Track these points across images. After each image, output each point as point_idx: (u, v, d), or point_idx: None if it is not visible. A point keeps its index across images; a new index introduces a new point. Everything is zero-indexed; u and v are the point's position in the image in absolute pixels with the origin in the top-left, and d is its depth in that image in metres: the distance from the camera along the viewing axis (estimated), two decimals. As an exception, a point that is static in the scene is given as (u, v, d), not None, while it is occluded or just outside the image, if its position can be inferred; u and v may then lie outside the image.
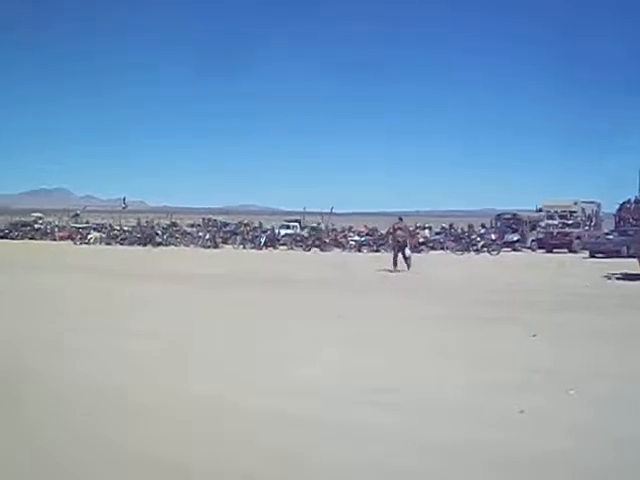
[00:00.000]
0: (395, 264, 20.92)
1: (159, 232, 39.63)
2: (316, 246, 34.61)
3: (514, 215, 39.26)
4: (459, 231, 36.99)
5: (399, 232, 21.64)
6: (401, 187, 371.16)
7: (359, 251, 33.28)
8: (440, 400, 5.94)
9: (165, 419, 5.41)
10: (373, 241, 34.35)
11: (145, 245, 36.89)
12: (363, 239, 34.91)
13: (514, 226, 37.34)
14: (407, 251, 21.21)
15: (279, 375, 6.85)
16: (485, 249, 32.64)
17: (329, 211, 43.91)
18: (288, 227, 40.90)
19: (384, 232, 35.35)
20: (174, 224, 43.44)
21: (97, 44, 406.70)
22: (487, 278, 19.56)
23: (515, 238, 35.77)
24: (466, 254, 32.01)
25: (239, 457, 4.55)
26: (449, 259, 29.48)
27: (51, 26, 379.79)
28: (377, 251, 32.81)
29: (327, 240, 35.54)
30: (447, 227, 38.19)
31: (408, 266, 20.80)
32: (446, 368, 7.24)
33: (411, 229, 27.67)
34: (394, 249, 21.70)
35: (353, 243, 34.45)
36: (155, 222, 44.72)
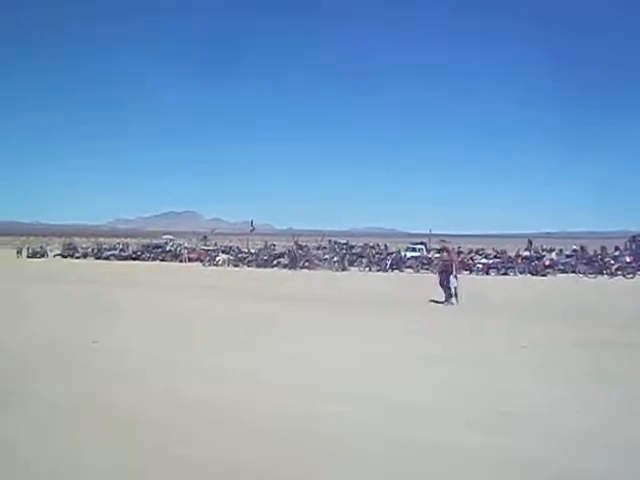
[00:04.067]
0: (448, 295, 17.06)
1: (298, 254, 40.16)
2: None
3: (650, 237, 37.58)
4: (591, 253, 35.86)
5: (444, 254, 18.32)
6: (529, 208, 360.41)
7: (487, 274, 33.04)
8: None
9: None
10: (501, 264, 34.01)
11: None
12: (491, 262, 34.60)
13: (650, 248, 35.79)
14: (452, 279, 17.09)
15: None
16: (619, 272, 31.63)
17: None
18: (414, 250, 41.06)
19: (511, 255, 35.03)
20: (300, 247, 44.02)
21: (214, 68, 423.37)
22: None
23: (652, 261, 34.31)
24: (599, 277, 31.16)
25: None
26: (572, 285, 28.80)
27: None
28: (505, 274, 32.58)
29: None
30: (578, 249, 37.07)
31: (450, 297, 16.98)
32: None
33: (457, 251, 22.72)
34: (440, 274, 17.78)
35: (480, 266, 34.20)
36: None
